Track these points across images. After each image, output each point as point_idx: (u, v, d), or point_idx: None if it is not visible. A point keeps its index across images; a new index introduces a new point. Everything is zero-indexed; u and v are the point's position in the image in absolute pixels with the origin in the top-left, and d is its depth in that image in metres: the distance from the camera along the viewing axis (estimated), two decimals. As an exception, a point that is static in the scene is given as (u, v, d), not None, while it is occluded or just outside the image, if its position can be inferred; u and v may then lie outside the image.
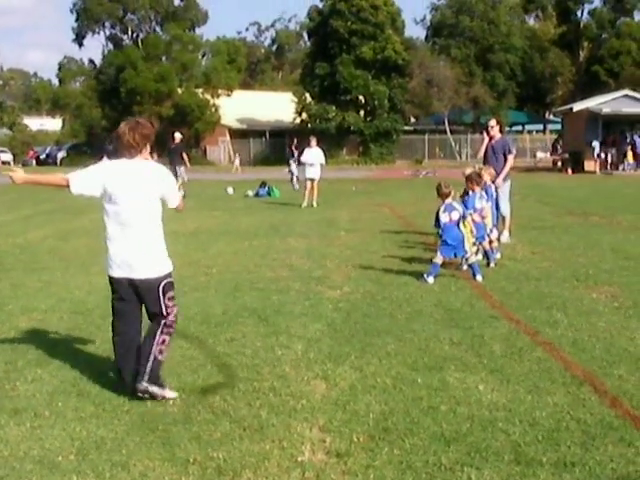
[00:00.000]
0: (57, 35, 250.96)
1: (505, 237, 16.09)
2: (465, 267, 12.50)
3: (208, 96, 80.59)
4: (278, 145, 77.04)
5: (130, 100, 77.66)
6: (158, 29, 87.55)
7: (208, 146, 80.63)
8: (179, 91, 79.89)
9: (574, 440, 5.79)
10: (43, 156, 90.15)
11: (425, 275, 12.01)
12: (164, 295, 6.90)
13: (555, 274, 12.57)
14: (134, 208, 6.81)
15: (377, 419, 6.27)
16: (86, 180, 6.90)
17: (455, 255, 12.28)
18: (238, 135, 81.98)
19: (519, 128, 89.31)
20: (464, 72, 74.85)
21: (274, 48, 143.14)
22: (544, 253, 14.79)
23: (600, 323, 9.27)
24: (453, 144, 75.40)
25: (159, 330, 6.89)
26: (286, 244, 16.78)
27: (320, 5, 76.57)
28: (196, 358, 8.03)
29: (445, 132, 75.31)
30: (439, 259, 12.10)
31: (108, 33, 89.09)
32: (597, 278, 12.12)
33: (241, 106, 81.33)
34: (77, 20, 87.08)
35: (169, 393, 6.84)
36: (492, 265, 13.21)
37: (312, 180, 26.94)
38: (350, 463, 5.49)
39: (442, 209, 12.13)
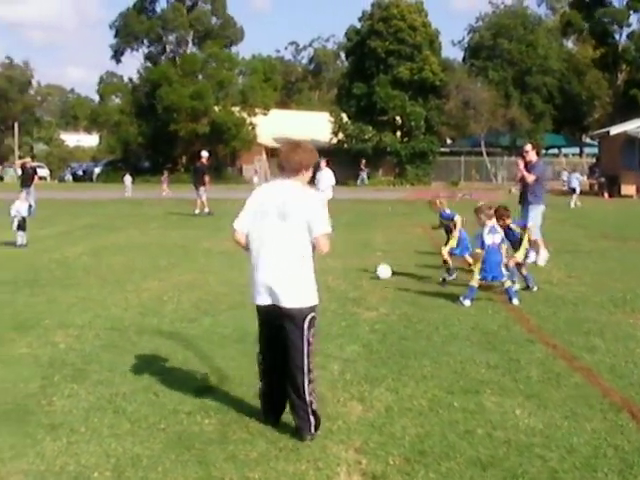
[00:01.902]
0: (95, 53, 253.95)
1: (543, 258, 15.98)
2: (514, 286, 12.43)
3: (245, 114, 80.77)
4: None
5: (166, 117, 77.95)
6: (195, 48, 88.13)
7: (244, 165, 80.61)
8: (216, 109, 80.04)
9: (612, 467, 5.74)
10: (80, 172, 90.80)
11: (462, 298, 11.97)
12: (309, 330, 6.71)
13: (592, 299, 12.48)
14: (275, 231, 6.61)
15: (413, 442, 6.24)
16: (246, 219, 6.76)
17: (493, 279, 12.22)
18: (275, 154, 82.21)
19: (555, 151, 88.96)
20: (501, 94, 74.70)
21: (311, 67, 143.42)
22: (580, 277, 14.69)
23: (638, 349, 9.20)
24: (489, 166, 75.14)
25: (306, 381, 6.59)
26: (322, 264, 16.66)
27: (358, 25, 76.82)
28: (232, 377, 8.02)
29: (481, 154, 75.10)
30: (476, 282, 12.04)
31: (146, 51, 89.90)
32: (634, 304, 12.03)
33: (278, 125, 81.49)
34: (116, 36, 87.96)
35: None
36: (534, 288, 13.13)
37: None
38: (386, 486, 5.48)
39: (486, 231, 12.06)
